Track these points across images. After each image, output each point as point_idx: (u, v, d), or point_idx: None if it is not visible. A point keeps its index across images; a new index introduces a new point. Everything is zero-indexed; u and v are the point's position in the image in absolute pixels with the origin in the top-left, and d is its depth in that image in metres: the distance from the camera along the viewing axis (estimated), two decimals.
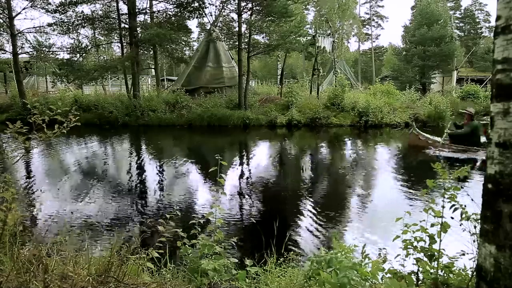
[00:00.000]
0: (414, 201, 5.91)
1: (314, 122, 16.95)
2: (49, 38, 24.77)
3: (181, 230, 2.65)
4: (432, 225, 2.25)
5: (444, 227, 2.20)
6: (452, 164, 8.52)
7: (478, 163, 8.75)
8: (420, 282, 2.22)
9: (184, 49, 22.67)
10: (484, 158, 8.44)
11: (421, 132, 10.94)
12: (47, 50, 21.59)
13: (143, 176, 8.50)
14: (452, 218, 2.25)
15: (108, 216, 5.34)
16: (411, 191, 6.58)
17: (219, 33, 21.84)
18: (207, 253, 2.52)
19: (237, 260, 2.65)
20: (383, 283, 2.18)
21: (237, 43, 18.73)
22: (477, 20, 57.40)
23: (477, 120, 10.51)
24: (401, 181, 7.41)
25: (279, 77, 26.24)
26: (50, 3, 17.89)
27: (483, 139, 9.73)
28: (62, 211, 5.49)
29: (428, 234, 2.26)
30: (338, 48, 34.21)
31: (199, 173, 8.61)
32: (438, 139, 10.37)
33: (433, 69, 30.40)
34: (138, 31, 18.21)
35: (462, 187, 2.43)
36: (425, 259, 2.23)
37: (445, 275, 2.17)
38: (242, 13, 18.12)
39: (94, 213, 5.47)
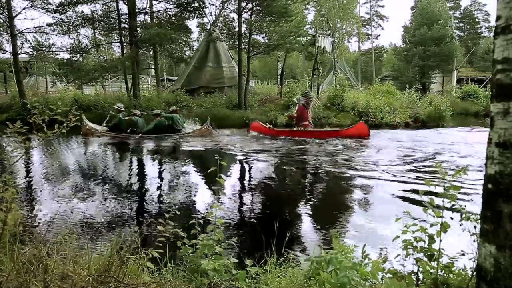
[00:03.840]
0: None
1: (314, 122, 16.96)
2: (49, 38, 24.84)
3: (181, 230, 2.65)
4: (432, 225, 2.26)
5: (444, 227, 2.20)
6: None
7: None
8: (420, 282, 2.22)
9: (184, 49, 22.67)
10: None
11: (89, 123, 13.68)
12: (47, 50, 21.59)
13: (143, 176, 8.50)
14: (452, 218, 2.25)
15: (108, 216, 5.34)
16: None
17: (219, 33, 21.84)
18: (207, 253, 2.52)
19: (237, 260, 2.65)
20: (383, 283, 2.18)
21: (237, 43, 18.73)
22: (477, 20, 57.39)
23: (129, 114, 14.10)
24: None
25: (279, 77, 26.24)
26: (50, 3, 17.86)
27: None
28: (62, 211, 5.49)
29: (428, 234, 2.26)
30: (338, 48, 34.20)
31: (198, 173, 8.61)
32: (100, 127, 13.70)
33: (433, 69, 30.44)
34: (138, 31, 18.20)
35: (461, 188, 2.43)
36: (425, 259, 2.23)
37: (445, 275, 2.17)
38: (242, 13, 18.12)
39: (94, 212, 5.47)
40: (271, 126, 14.10)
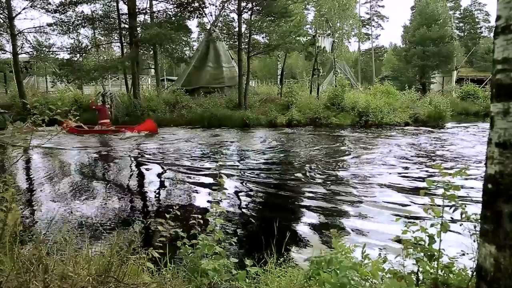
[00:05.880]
0: None
1: (314, 122, 16.99)
2: (49, 38, 24.74)
3: (181, 230, 2.65)
4: (432, 225, 2.26)
5: (444, 227, 2.20)
6: None
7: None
8: (420, 282, 2.22)
9: (184, 49, 22.68)
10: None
11: None
12: (47, 50, 21.57)
13: (143, 176, 8.50)
14: (452, 218, 2.25)
15: (108, 216, 5.34)
16: None
17: (219, 33, 21.85)
18: (207, 253, 2.52)
19: (237, 260, 2.65)
20: (383, 283, 2.18)
21: (237, 43, 18.75)
22: (477, 20, 57.39)
23: None
24: None
25: (279, 77, 26.23)
26: (50, 3, 17.89)
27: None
28: (62, 211, 5.49)
29: (428, 234, 2.26)
30: (338, 48, 34.22)
31: (198, 173, 8.61)
32: None
33: (433, 69, 30.44)
34: (138, 31, 18.20)
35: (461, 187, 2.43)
36: (425, 259, 2.23)
37: (445, 275, 2.16)
38: (242, 13, 18.14)
39: (94, 212, 5.47)
40: (78, 124, 15.63)
